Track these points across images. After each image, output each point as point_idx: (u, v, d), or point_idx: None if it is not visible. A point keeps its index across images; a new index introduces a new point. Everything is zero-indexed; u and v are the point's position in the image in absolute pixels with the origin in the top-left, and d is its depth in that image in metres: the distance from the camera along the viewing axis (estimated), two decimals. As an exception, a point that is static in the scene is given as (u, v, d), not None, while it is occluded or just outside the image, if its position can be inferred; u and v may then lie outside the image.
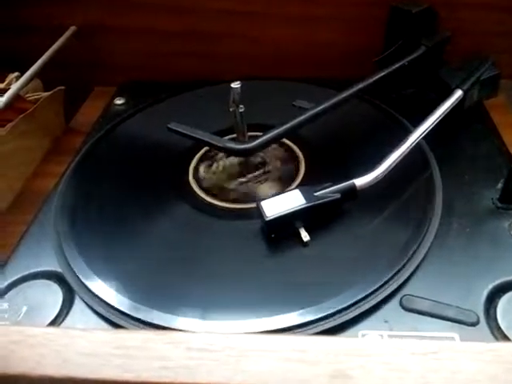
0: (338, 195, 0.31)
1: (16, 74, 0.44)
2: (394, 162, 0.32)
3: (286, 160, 0.38)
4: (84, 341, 0.14)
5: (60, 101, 0.46)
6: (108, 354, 0.14)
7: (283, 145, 0.39)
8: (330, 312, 0.26)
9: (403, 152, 0.32)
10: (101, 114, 0.47)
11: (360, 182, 0.31)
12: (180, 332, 0.20)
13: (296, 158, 0.38)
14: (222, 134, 0.39)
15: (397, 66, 0.40)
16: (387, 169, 0.31)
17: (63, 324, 0.28)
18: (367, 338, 0.22)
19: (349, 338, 0.16)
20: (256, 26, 0.49)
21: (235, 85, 0.33)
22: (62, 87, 0.45)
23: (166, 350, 0.14)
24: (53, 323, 0.28)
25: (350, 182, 0.31)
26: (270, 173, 0.37)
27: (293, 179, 0.36)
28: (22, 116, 0.40)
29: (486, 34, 0.46)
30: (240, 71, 0.47)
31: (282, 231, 0.31)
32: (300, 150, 0.39)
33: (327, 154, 0.39)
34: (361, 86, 0.38)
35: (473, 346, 0.13)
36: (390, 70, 0.39)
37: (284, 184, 0.36)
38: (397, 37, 0.43)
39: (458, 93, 0.37)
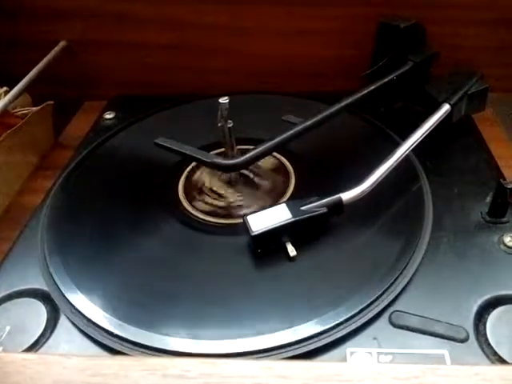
0: (324, 209, 0.30)
1: (4, 88, 0.44)
2: (381, 175, 0.32)
3: (275, 173, 0.38)
4: (60, 368, 0.14)
5: (49, 116, 0.46)
6: (83, 381, 0.13)
7: (273, 159, 0.39)
8: (317, 331, 0.26)
9: (390, 166, 0.32)
10: (90, 129, 0.47)
11: (346, 196, 0.31)
12: (156, 358, 0.19)
13: (286, 171, 0.38)
14: (211, 148, 0.39)
15: (385, 80, 0.40)
16: (374, 183, 0.31)
17: (47, 343, 0.28)
18: (351, 361, 0.22)
19: (330, 362, 0.15)
20: (245, 41, 0.49)
21: (223, 100, 0.33)
22: (51, 102, 0.45)
23: (142, 377, 0.13)
24: (36, 343, 0.27)
25: (337, 196, 0.31)
26: (260, 187, 0.37)
27: (283, 193, 0.36)
28: (9, 131, 0.40)
29: (474, 49, 0.47)
30: (230, 85, 0.47)
31: (268, 246, 0.31)
32: (290, 163, 0.39)
33: (317, 168, 0.38)
34: (350, 100, 0.38)
35: (455, 370, 0.13)
36: (378, 84, 0.40)
37: (274, 198, 0.36)
38: (385, 51, 0.43)
39: (446, 107, 0.37)
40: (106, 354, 0.27)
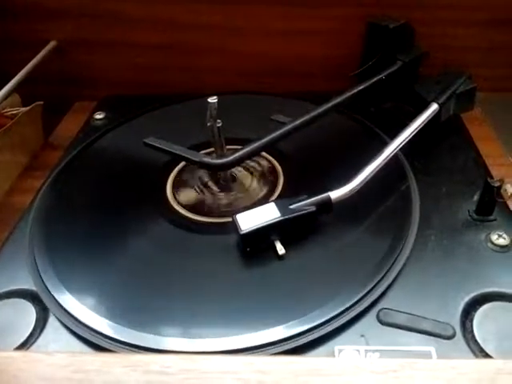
0: (313, 208, 0.31)
1: (-6, 89, 0.44)
2: (370, 174, 0.32)
3: (264, 173, 0.38)
4: (43, 365, 0.14)
5: (38, 116, 0.45)
6: (66, 378, 0.13)
7: (261, 158, 0.39)
8: (305, 328, 0.26)
9: (379, 164, 0.33)
10: (80, 129, 0.46)
11: (335, 194, 0.31)
12: (138, 354, 0.19)
13: (274, 171, 0.38)
14: (200, 148, 0.39)
15: (374, 80, 0.40)
16: (362, 181, 0.31)
17: (36, 343, 0.28)
18: (339, 356, 0.22)
19: (310, 357, 0.15)
20: (236, 40, 0.49)
21: (212, 100, 0.33)
22: (41, 102, 0.45)
23: (124, 373, 0.13)
24: (26, 343, 0.27)
25: (325, 194, 0.31)
26: (249, 186, 0.37)
27: (272, 192, 0.36)
28: (-1, 131, 0.40)
29: (462, 49, 0.47)
30: (223, 85, 0.47)
31: (257, 244, 0.31)
32: (278, 163, 0.39)
33: (306, 167, 0.39)
34: (339, 99, 0.38)
35: (433, 364, 0.13)
36: (367, 84, 0.40)
37: (263, 197, 0.36)
38: (374, 51, 0.43)
39: (434, 106, 0.38)
40: (94, 353, 0.27)
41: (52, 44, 0.50)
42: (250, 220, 0.30)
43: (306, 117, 0.36)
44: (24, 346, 0.27)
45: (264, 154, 0.39)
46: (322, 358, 0.16)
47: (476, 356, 0.25)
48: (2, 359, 0.15)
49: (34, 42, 0.49)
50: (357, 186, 0.31)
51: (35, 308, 0.29)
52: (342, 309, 0.27)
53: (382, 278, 0.29)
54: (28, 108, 0.43)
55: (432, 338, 0.26)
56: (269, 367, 0.13)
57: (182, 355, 0.14)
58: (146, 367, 0.13)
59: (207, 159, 0.33)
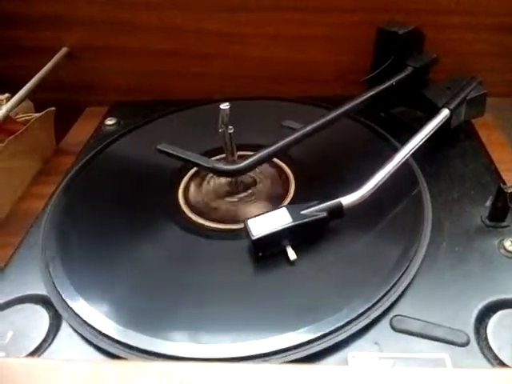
0: (324, 213, 0.31)
1: (6, 95, 0.44)
2: (381, 180, 0.32)
3: (275, 179, 0.38)
4: (62, 373, 0.14)
5: (50, 122, 0.46)
6: (86, 387, 0.13)
7: (273, 164, 0.40)
8: (318, 334, 0.26)
9: (390, 170, 0.33)
10: (91, 135, 0.47)
11: (346, 200, 0.31)
12: (160, 363, 0.19)
13: (286, 176, 0.38)
14: (212, 153, 0.40)
15: (385, 86, 0.40)
16: (374, 187, 0.31)
17: (49, 349, 0.28)
18: (352, 365, 0.22)
19: (330, 365, 0.15)
20: (246, 46, 0.49)
21: (224, 106, 0.33)
22: (53, 108, 0.45)
23: (146, 383, 0.13)
24: (38, 348, 0.27)
25: (337, 200, 0.31)
26: (260, 192, 0.37)
27: (283, 198, 0.36)
28: (11, 137, 0.40)
29: (473, 54, 0.47)
30: (230, 90, 0.47)
31: (268, 250, 0.31)
32: (289, 168, 0.39)
33: (317, 173, 0.39)
34: (349, 105, 0.38)
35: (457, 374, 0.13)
36: (378, 89, 0.40)
37: (274, 203, 0.36)
38: (384, 57, 0.43)
39: (445, 112, 0.38)
40: (107, 359, 0.27)
41: (63, 51, 0.50)
42: (261, 225, 0.30)
43: (317, 123, 0.36)
44: (37, 351, 0.27)
45: (275, 159, 0.39)
46: (343, 367, 0.16)
47: (490, 363, 0.25)
48: (21, 367, 0.15)
49: (45, 49, 0.49)
50: (368, 191, 0.31)
51: (48, 313, 0.29)
52: (355, 315, 0.27)
53: (395, 284, 0.29)
54: (40, 114, 0.44)
55: (446, 345, 0.26)
56: (287, 376, 0.13)
57: (199, 363, 0.14)
58: (170, 376, 0.13)
59: (219, 165, 0.33)
